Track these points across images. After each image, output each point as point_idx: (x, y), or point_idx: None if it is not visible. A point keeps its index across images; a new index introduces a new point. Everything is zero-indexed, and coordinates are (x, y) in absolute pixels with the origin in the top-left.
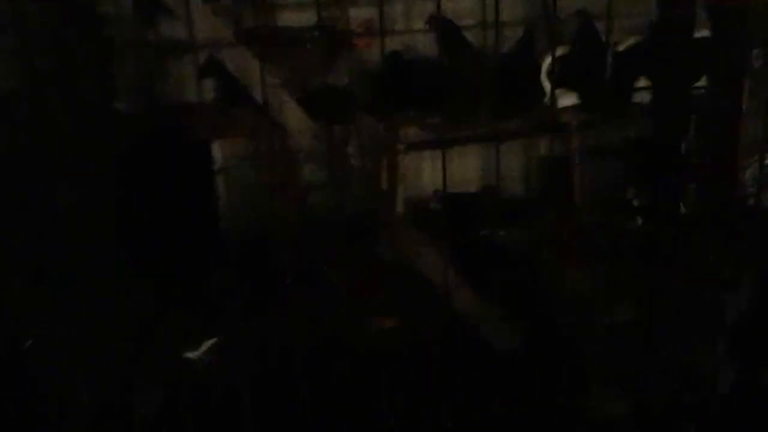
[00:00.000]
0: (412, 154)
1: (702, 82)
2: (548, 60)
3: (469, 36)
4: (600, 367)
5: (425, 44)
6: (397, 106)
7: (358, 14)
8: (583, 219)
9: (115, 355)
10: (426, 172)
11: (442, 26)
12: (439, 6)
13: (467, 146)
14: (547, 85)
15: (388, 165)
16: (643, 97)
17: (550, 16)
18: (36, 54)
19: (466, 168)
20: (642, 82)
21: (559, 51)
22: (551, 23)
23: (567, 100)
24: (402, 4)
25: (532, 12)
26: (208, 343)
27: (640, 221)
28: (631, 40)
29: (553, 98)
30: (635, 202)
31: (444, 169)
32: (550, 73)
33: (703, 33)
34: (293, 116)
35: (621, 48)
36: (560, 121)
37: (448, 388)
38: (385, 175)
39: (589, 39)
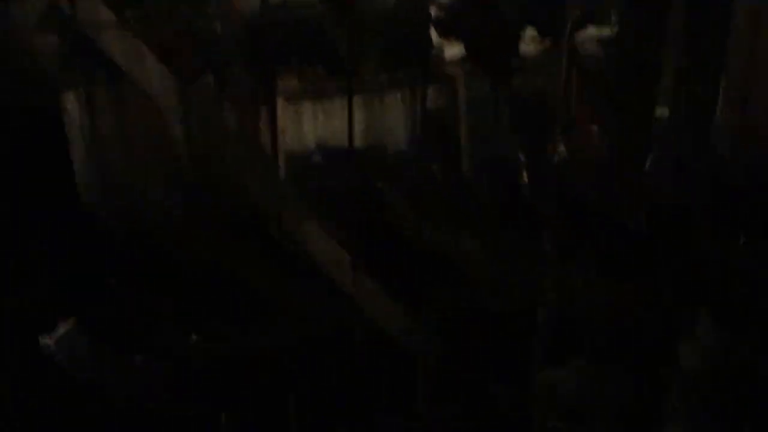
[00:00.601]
0: (291, 107)
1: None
2: (435, 8)
3: None
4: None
5: None
6: (275, 57)
7: None
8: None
9: None
10: (306, 126)
11: None
12: None
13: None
14: (434, 36)
15: (266, 119)
16: (529, 50)
17: None
18: None
19: (347, 121)
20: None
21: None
22: None
23: (454, 51)
24: None
25: None
26: (65, 326)
27: (525, 177)
28: None
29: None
30: (522, 158)
31: (350, 120)
32: (437, 22)
33: None
34: (155, 70)
35: None
36: (447, 72)
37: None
38: (263, 130)
39: None
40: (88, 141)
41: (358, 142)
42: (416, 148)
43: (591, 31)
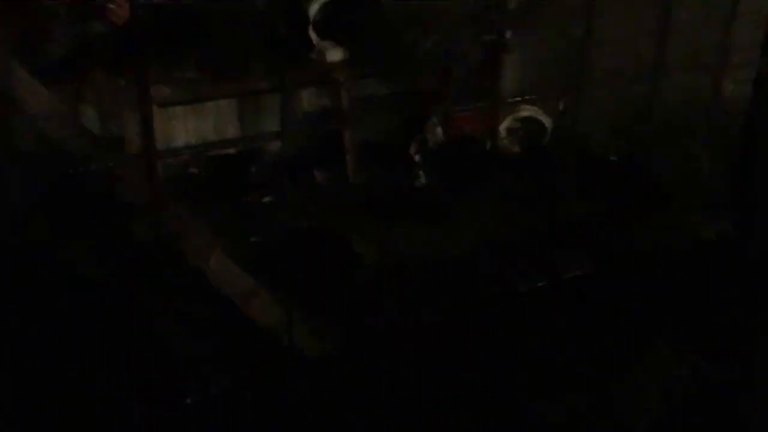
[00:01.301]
0: (164, 112)
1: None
2: (314, 10)
3: None
4: None
5: None
6: (145, 59)
7: None
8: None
9: None
10: (180, 133)
11: None
12: None
13: (225, 102)
14: (314, 37)
15: (138, 126)
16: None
17: None
18: None
19: (224, 126)
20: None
21: (322, 1)
22: None
23: (336, 54)
24: None
25: None
26: None
27: (423, 178)
28: None
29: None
30: (417, 158)
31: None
32: (317, 24)
33: None
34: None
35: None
36: (330, 76)
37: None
38: (135, 138)
39: None
40: None
41: (234, 149)
42: (298, 152)
43: (466, 32)
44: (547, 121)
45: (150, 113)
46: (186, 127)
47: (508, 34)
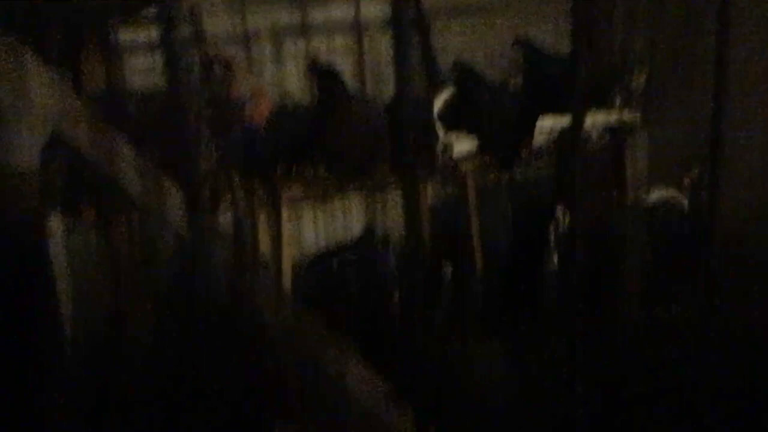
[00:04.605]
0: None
1: None
2: (439, 102)
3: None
4: None
5: (299, 88)
6: (276, 162)
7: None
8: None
9: None
10: (306, 228)
11: (321, 73)
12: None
13: (351, 196)
14: (440, 129)
15: (269, 226)
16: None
17: (430, 58)
18: None
19: (349, 219)
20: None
21: (446, 94)
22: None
23: (462, 145)
24: (270, 43)
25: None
26: None
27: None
28: (519, 80)
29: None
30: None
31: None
32: (442, 116)
33: None
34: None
35: (511, 88)
36: (456, 168)
37: None
38: (266, 238)
39: (473, 81)
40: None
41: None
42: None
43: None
44: (684, 203)
45: (279, 214)
46: (314, 221)
47: (633, 116)
